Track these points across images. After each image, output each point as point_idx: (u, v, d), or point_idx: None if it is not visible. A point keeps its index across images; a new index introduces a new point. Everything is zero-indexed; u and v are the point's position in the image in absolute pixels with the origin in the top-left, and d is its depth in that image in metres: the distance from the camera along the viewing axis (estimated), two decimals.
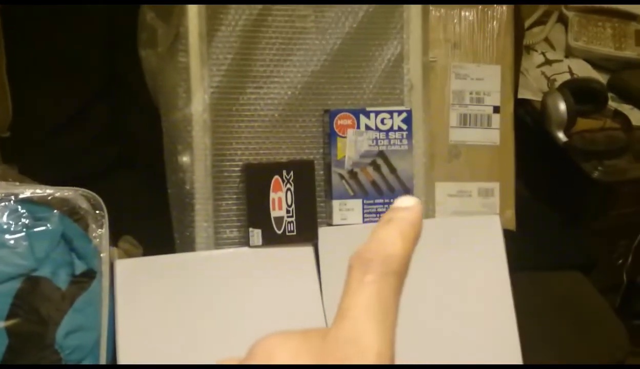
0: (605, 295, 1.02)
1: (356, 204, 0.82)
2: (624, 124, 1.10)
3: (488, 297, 0.82)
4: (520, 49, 1.01)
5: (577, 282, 1.01)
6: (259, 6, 0.79)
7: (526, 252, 0.94)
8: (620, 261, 1.17)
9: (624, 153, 1.07)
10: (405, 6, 0.84)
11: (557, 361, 0.89)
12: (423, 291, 0.80)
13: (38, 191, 0.69)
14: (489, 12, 0.92)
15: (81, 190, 0.71)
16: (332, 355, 0.22)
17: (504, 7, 0.92)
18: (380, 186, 0.83)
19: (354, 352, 0.21)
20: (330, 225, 0.82)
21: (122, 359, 0.71)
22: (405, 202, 0.25)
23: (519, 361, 0.80)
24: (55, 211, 0.69)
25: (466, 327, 0.80)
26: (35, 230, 0.67)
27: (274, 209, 0.78)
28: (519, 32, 0.96)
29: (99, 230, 0.71)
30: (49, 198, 0.69)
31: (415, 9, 0.85)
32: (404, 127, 0.83)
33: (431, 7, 0.90)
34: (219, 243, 0.79)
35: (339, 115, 0.82)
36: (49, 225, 0.68)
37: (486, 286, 0.82)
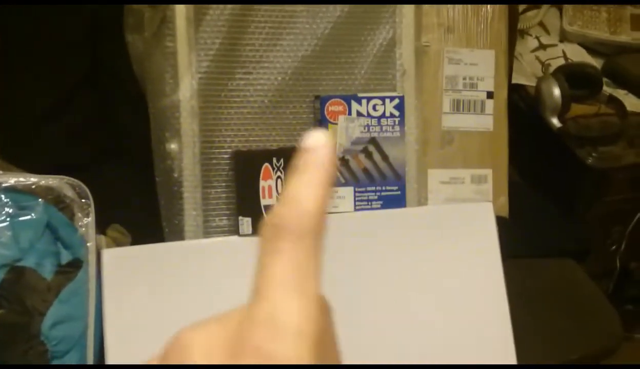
0: (598, 281, 1.01)
1: (347, 192, 0.81)
2: (619, 110, 1.09)
3: (480, 284, 0.81)
4: (514, 34, 1.00)
5: (570, 269, 1.01)
6: None
7: (519, 239, 0.94)
8: (614, 247, 1.17)
9: (619, 139, 1.06)
10: None
11: (550, 349, 0.88)
12: (415, 278, 0.79)
13: (22, 179, 0.68)
14: None
15: (66, 179, 0.70)
16: (248, 340, 0.20)
17: None
18: (371, 174, 0.82)
19: (271, 334, 0.20)
20: None
21: (109, 350, 0.70)
22: (312, 141, 0.22)
23: (511, 348, 0.79)
24: (39, 200, 0.68)
25: (458, 314, 0.80)
26: (20, 219, 0.66)
27: (264, 197, 0.77)
28: (513, 16, 0.95)
29: (85, 218, 0.70)
30: (33, 186, 0.68)
31: None
32: (396, 113, 0.82)
33: None
34: (208, 231, 0.78)
35: (330, 101, 0.80)
36: (33, 214, 0.67)
37: (479, 274, 0.82)
